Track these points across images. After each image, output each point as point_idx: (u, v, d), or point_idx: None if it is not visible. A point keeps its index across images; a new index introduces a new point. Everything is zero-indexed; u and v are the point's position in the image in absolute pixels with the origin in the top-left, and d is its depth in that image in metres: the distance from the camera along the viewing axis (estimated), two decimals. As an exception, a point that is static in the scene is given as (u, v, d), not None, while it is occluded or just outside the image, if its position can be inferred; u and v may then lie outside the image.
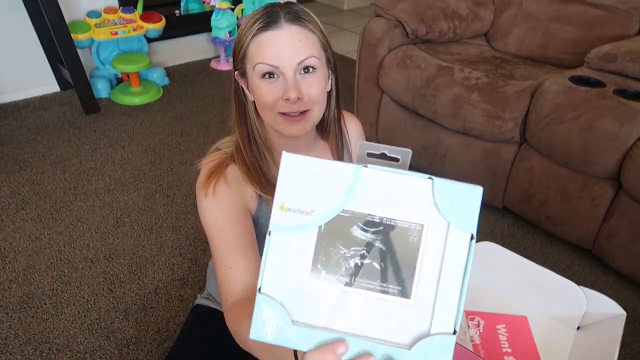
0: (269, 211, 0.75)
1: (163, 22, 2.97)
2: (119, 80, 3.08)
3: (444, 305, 0.42)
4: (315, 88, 0.81)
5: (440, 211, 0.41)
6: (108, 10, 2.84)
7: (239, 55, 0.82)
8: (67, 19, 2.62)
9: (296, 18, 0.78)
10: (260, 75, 0.79)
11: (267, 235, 0.43)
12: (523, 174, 1.83)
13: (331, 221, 0.42)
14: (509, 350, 0.86)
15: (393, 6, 2.11)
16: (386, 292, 0.42)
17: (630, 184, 1.53)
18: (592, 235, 1.72)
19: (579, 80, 1.70)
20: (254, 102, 0.86)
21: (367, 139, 2.38)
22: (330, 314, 0.43)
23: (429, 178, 0.42)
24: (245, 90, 0.86)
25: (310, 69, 0.80)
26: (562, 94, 1.66)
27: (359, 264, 0.42)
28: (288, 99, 0.79)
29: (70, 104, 2.82)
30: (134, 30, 2.87)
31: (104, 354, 1.43)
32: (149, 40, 3.06)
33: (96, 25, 2.78)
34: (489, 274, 0.99)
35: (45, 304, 1.59)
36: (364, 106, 2.35)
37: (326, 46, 0.83)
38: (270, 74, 0.79)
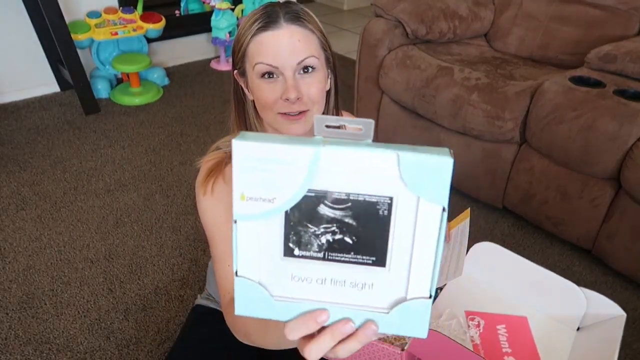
0: None
1: (163, 23, 2.97)
2: (119, 81, 3.08)
3: (419, 272, 0.42)
4: (315, 88, 0.81)
5: (408, 187, 0.40)
6: (108, 10, 2.84)
7: (238, 54, 0.82)
8: (67, 19, 2.62)
9: (296, 18, 0.78)
10: (260, 75, 0.79)
11: (233, 224, 0.42)
12: (523, 174, 1.83)
13: (297, 203, 0.41)
14: (509, 350, 0.86)
15: (393, 6, 2.12)
16: (361, 263, 0.43)
17: (630, 184, 1.53)
18: (592, 236, 1.72)
19: (579, 81, 1.70)
20: (253, 101, 0.86)
21: (367, 139, 2.39)
22: (309, 287, 0.43)
23: (395, 151, 0.40)
24: (245, 89, 0.86)
25: (310, 69, 0.80)
26: (562, 94, 1.66)
27: (331, 240, 0.42)
28: (287, 99, 0.79)
29: (70, 104, 2.82)
30: (134, 30, 2.87)
31: (104, 354, 1.43)
32: (149, 40, 3.06)
33: (96, 26, 2.78)
34: (489, 274, 0.99)
35: (45, 304, 1.59)
36: (364, 106, 2.35)
37: (326, 46, 0.83)
38: (270, 74, 0.79)
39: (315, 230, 0.42)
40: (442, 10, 2.17)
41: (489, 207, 2.04)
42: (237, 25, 3.29)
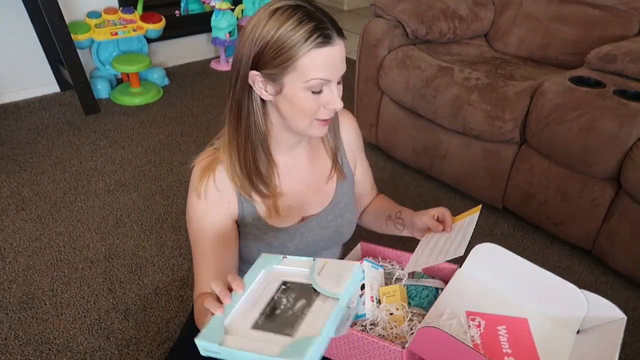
0: (252, 208, 0.92)
1: (163, 23, 2.97)
2: (119, 81, 3.08)
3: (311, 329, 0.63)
4: (341, 92, 0.86)
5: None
6: (108, 10, 2.84)
7: (276, 61, 0.78)
8: (67, 20, 2.62)
9: (340, 31, 0.80)
10: (312, 89, 0.80)
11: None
12: (523, 174, 1.83)
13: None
14: (509, 351, 0.86)
15: (393, 7, 2.12)
16: (276, 333, 0.63)
17: (630, 185, 1.53)
18: (592, 236, 1.72)
19: (579, 81, 1.70)
20: (265, 101, 0.85)
21: (367, 140, 2.38)
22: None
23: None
24: (260, 90, 0.83)
25: (341, 80, 0.84)
26: (562, 95, 1.66)
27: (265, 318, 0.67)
28: (335, 109, 0.84)
29: (70, 104, 2.82)
30: (134, 30, 2.87)
31: (104, 355, 1.43)
32: (149, 40, 3.06)
33: (96, 26, 2.78)
34: (490, 275, 0.99)
35: (45, 304, 1.59)
36: (364, 107, 2.35)
37: None
38: (319, 91, 0.81)
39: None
40: (442, 11, 2.17)
41: (489, 208, 2.04)
42: (237, 26, 3.29)
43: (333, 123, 0.97)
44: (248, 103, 0.85)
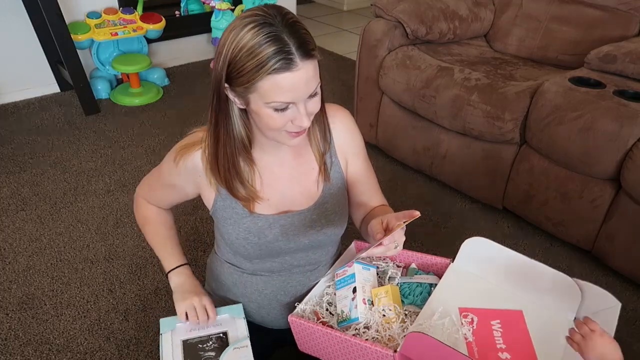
0: (229, 200, 0.97)
1: (163, 23, 2.97)
2: (119, 81, 3.08)
3: None
4: (317, 105, 0.85)
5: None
6: (108, 11, 2.84)
7: (239, 80, 0.79)
8: (67, 20, 2.62)
9: (307, 53, 0.77)
10: (273, 109, 0.80)
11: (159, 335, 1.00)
12: (523, 174, 1.83)
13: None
14: (503, 346, 0.86)
15: (393, 7, 2.12)
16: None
17: (630, 185, 1.53)
18: (592, 236, 1.72)
19: (579, 81, 1.70)
20: (242, 109, 0.87)
21: (367, 140, 2.38)
22: None
23: None
24: (236, 99, 0.85)
25: (315, 93, 0.83)
26: (562, 95, 1.66)
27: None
28: (301, 127, 0.83)
29: (70, 104, 2.82)
30: (134, 31, 2.87)
31: (104, 355, 1.43)
32: (149, 41, 3.06)
33: (96, 26, 2.78)
34: (482, 268, 0.99)
35: (45, 304, 1.59)
36: (364, 107, 2.35)
37: (318, 55, 0.82)
38: (284, 109, 0.81)
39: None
40: (442, 11, 2.17)
41: (488, 208, 2.04)
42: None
43: (318, 126, 0.96)
44: (226, 113, 0.88)
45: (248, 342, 0.96)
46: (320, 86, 0.86)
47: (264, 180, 0.97)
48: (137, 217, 1.17)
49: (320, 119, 0.95)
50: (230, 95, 0.84)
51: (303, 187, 0.99)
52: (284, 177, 0.98)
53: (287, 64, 0.75)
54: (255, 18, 0.77)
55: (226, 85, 0.82)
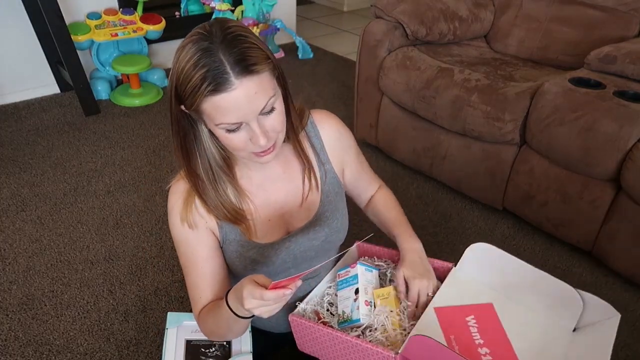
0: (233, 229, 0.92)
1: (163, 24, 2.97)
2: (119, 82, 3.08)
3: None
4: (278, 121, 0.80)
5: None
6: (108, 11, 2.85)
7: (186, 103, 0.76)
8: (67, 21, 2.62)
9: (245, 69, 0.72)
10: (225, 130, 0.77)
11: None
12: (523, 175, 1.83)
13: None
14: (482, 341, 0.87)
15: (393, 8, 2.12)
16: None
17: (630, 186, 1.53)
18: (592, 237, 1.72)
19: (579, 82, 1.70)
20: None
21: (367, 141, 2.38)
22: None
23: None
24: (198, 120, 0.81)
25: (271, 109, 0.78)
26: (562, 96, 1.66)
27: None
28: (259, 146, 0.79)
29: (70, 105, 2.82)
30: (134, 31, 2.87)
31: (104, 356, 1.43)
32: (149, 41, 3.06)
33: (96, 27, 2.78)
34: (485, 275, 0.99)
35: (45, 305, 1.59)
36: (364, 108, 2.35)
37: (273, 66, 0.78)
38: (234, 129, 0.77)
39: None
40: (442, 12, 2.17)
41: (488, 209, 2.04)
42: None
43: (308, 134, 0.95)
44: (194, 134, 0.83)
45: (250, 358, 0.95)
46: (287, 98, 0.84)
47: (256, 196, 0.93)
48: (207, 333, 0.96)
49: (310, 127, 0.95)
50: (191, 113, 0.80)
51: (299, 198, 0.97)
52: (278, 190, 0.96)
53: (220, 84, 0.71)
54: (192, 38, 0.75)
55: (182, 107, 0.78)
